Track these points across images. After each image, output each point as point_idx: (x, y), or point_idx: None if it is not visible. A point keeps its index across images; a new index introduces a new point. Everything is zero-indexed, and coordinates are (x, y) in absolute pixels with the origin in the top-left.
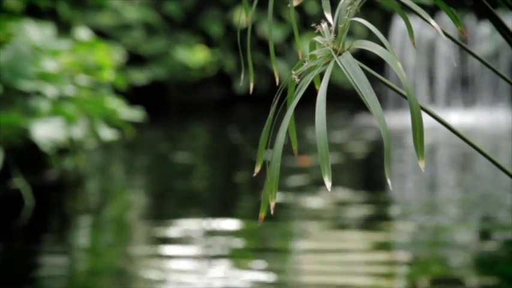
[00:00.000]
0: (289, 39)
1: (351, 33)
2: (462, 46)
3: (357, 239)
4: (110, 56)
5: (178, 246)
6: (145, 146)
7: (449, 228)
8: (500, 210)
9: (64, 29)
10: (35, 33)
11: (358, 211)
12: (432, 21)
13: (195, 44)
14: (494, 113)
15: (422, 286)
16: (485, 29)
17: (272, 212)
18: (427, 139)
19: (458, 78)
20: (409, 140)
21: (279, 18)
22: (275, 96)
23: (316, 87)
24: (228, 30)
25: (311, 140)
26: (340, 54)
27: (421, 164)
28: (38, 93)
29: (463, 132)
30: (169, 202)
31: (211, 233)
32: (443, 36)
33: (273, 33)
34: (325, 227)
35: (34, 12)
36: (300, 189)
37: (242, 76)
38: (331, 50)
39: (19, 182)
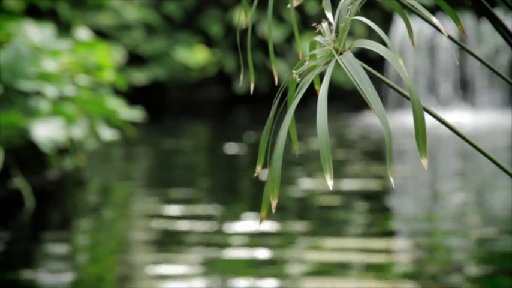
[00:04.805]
0: (289, 39)
1: (351, 34)
2: (462, 46)
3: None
4: (110, 56)
5: (178, 246)
6: (145, 146)
7: (451, 233)
8: (500, 210)
9: (64, 29)
10: (35, 33)
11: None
12: (434, 19)
13: (195, 44)
14: (494, 113)
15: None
16: (485, 29)
17: (274, 210)
18: (428, 138)
19: (458, 78)
20: (408, 139)
21: (279, 18)
22: (275, 96)
23: (316, 87)
24: (228, 30)
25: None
26: (341, 54)
27: (424, 162)
28: (38, 93)
29: (463, 132)
30: (169, 202)
31: (212, 234)
32: (445, 34)
33: (273, 33)
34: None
35: (34, 12)
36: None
37: (242, 76)
38: (332, 50)
39: (19, 182)
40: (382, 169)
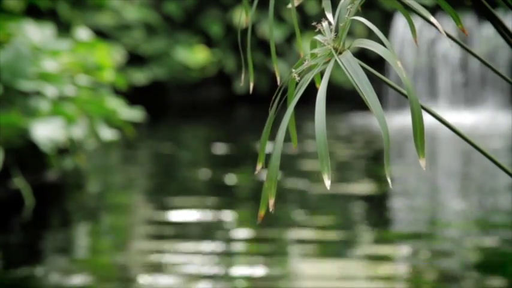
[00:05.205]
0: (289, 39)
1: (351, 34)
2: (462, 45)
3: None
4: (110, 56)
5: (178, 246)
6: (145, 146)
7: (450, 226)
8: (500, 210)
9: (64, 29)
10: (35, 33)
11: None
12: (432, 19)
13: (195, 44)
14: (494, 113)
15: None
16: (485, 29)
17: (271, 209)
18: (427, 139)
19: (458, 78)
20: (408, 140)
21: (279, 18)
22: (275, 94)
23: (317, 85)
24: (228, 30)
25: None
26: (340, 53)
27: (422, 162)
28: (38, 93)
29: (464, 131)
30: (169, 202)
31: (211, 234)
32: (444, 34)
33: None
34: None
35: (34, 12)
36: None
37: (243, 76)
38: (332, 49)
39: (19, 182)
40: (381, 170)
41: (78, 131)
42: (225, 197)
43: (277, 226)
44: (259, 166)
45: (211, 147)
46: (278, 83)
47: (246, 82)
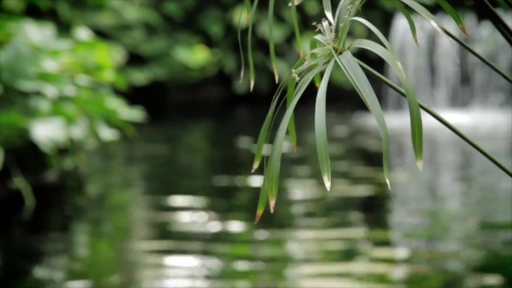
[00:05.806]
0: (289, 39)
1: (351, 34)
2: (463, 44)
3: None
4: (110, 56)
5: (177, 246)
6: (145, 146)
7: (450, 228)
8: (500, 210)
9: (64, 29)
10: (35, 33)
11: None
12: (432, 21)
13: (195, 44)
14: (494, 113)
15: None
16: (485, 28)
17: (272, 210)
18: (427, 139)
19: (458, 78)
20: (408, 141)
21: (279, 18)
22: (275, 94)
23: (317, 85)
24: (228, 30)
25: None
26: (340, 53)
27: (419, 164)
28: (38, 93)
29: (464, 131)
30: (169, 202)
31: (211, 233)
32: (444, 35)
33: (273, 32)
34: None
35: (34, 12)
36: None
37: (242, 74)
38: (332, 49)
39: (19, 182)
40: (381, 172)
41: (78, 131)
42: (225, 196)
43: (277, 226)
44: (255, 165)
45: (210, 148)
46: (277, 81)
47: (246, 82)
